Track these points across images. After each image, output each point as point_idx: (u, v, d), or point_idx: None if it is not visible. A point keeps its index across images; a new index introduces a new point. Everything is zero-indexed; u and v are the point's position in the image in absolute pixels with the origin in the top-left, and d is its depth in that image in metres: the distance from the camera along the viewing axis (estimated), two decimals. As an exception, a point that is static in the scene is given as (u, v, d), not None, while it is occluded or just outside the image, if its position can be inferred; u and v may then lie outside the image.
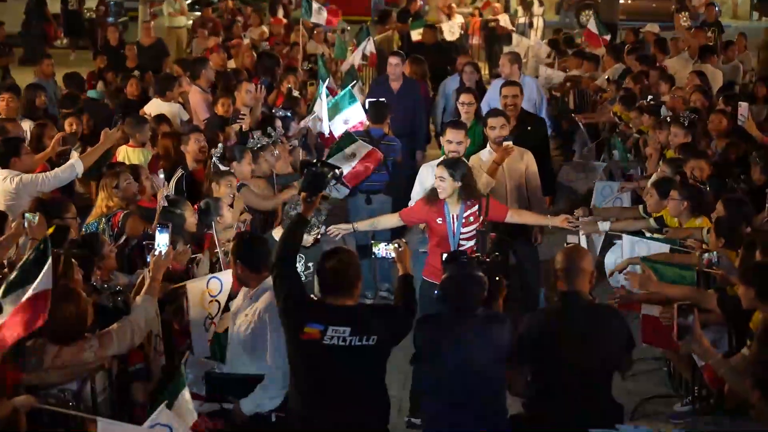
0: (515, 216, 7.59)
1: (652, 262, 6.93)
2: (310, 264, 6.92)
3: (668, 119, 9.73)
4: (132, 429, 4.83)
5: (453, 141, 7.92)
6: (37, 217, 6.33)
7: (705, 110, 10.36)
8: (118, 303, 5.96)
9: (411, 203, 8.05)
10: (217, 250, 7.16)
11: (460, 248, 6.99)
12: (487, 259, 5.85)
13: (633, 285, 6.61)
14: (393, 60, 11.15)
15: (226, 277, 6.32)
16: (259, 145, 9.05)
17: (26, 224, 6.32)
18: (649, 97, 11.27)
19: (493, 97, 10.42)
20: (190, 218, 7.26)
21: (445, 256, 5.72)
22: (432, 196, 7.26)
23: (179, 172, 8.63)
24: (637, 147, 10.42)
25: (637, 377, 7.41)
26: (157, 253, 6.01)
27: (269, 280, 5.69)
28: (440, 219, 7.18)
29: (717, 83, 12.60)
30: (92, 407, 5.49)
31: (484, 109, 9.91)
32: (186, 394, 4.88)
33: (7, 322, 4.90)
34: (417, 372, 5.89)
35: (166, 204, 7.39)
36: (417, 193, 8.16)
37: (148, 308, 5.82)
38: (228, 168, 8.29)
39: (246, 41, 14.17)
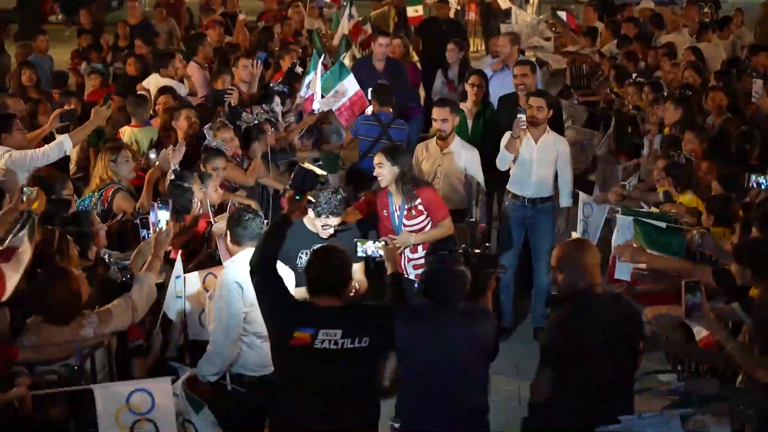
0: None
1: (643, 223, 6.97)
2: None
3: (664, 96, 9.75)
4: (124, 385, 5.12)
5: (437, 119, 8.08)
6: (35, 192, 6.31)
7: (699, 86, 10.36)
8: (126, 279, 5.98)
9: None
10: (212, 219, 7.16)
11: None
12: (477, 252, 5.61)
13: (625, 257, 6.46)
14: (382, 40, 10.96)
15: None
16: (256, 121, 9.06)
17: (24, 198, 6.32)
18: (634, 75, 11.28)
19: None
20: (198, 191, 7.24)
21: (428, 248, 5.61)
22: (377, 186, 7.19)
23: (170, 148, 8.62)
24: (635, 124, 10.42)
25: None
26: (158, 229, 6.00)
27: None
28: (386, 211, 7.07)
29: (717, 59, 12.57)
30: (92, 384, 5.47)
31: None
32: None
33: None
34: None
35: (173, 177, 7.39)
36: None
37: (150, 285, 5.83)
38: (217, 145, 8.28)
39: (242, 17, 14.10)
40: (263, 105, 9.79)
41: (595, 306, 5.02)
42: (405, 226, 7.03)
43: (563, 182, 8.38)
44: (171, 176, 7.44)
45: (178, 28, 16.00)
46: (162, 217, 6.07)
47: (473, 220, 6.95)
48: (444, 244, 6.81)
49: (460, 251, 5.64)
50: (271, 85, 10.61)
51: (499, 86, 10.03)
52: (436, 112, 8.14)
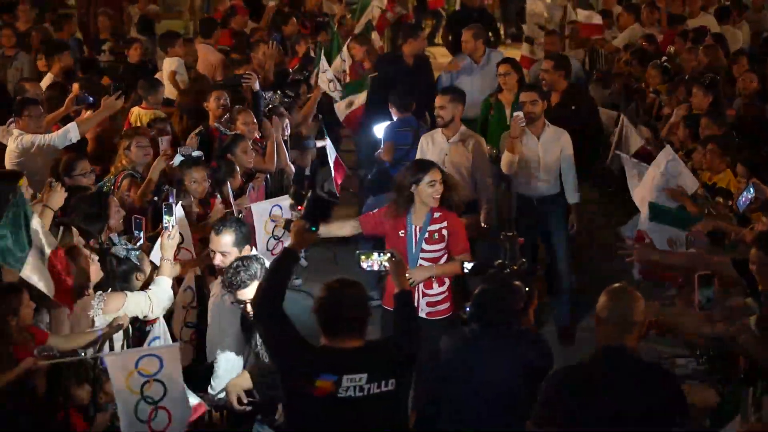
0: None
1: (658, 207, 7.00)
2: None
3: (686, 80, 9.68)
4: (133, 351, 5.20)
5: (436, 106, 7.98)
6: (56, 186, 6.22)
7: (723, 71, 10.28)
8: (124, 268, 5.95)
9: None
10: (231, 209, 7.17)
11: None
12: (515, 268, 5.30)
13: (634, 257, 6.14)
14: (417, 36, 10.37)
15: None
16: (270, 106, 9.06)
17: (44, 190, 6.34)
18: (663, 58, 11.18)
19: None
20: (202, 181, 7.24)
21: (469, 267, 5.22)
22: (401, 201, 6.31)
23: (199, 129, 8.67)
24: (652, 107, 10.36)
25: (654, 337, 7.38)
26: (164, 232, 5.96)
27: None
28: (402, 231, 6.30)
29: (736, 44, 12.46)
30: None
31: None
32: None
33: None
34: (426, 399, 5.20)
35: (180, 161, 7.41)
36: None
37: (165, 289, 5.82)
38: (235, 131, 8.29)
39: (272, 3, 14.08)
40: (281, 90, 9.76)
41: (620, 368, 4.37)
42: (423, 251, 6.30)
43: (568, 177, 8.04)
44: (179, 158, 7.44)
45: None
46: (168, 221, 6.01)
47: (510, 234, 6.22)
48: (486, 260, 6.24)
49: (498, 267, 5.32)
50: (291, 72, 10.63)
51: (469, 83, 9.76)
52: (437, 100, 8.05)
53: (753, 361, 5.17)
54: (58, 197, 6.10)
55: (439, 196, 6.23)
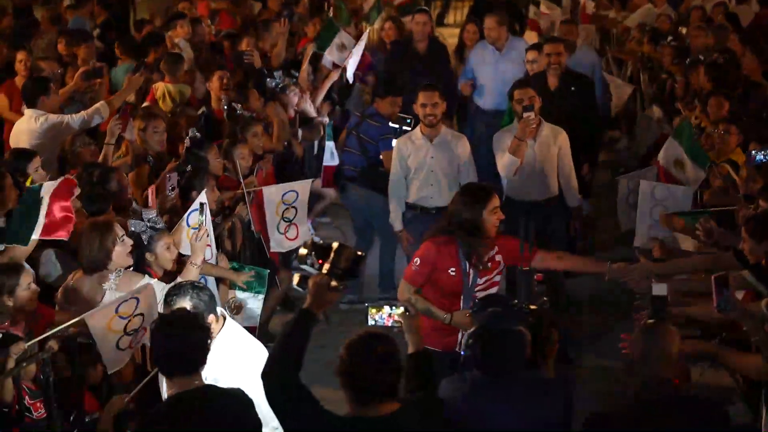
0: (550, 260, 5.81)
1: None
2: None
3: (693, 61, 9.63)
4: (111, 302, 5.17)
5: (427, 104, 7.30)
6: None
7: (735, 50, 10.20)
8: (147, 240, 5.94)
9: (390, 186, 7.47)
10: (242, 189, 7.17)
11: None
12: (533, 308, 4.64)
13: (633, 275, 5.83)
14: (420, 18, 10.05)
15: None
16: (281, 85, 9.06)
17: None
18: (670, 38, 11.12)
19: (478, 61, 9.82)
20: (214, 161, 7.25)
21: (488, 298, 4.59)
22: (444, 230, 5.65)
23: (202, 109, 8.66)
24: (663, 87, 10.30)
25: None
26: (191, 234, 5.84)
27: None
28: (453, 269, 5.55)
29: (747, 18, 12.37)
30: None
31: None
32: None
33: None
34: None
35: (189, 144, 7.40)
36: (396, 173, 7.48)
37: None
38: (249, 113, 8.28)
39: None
40: (291, 71, 9.76)
41: (662, 404, 4.08)
42: (477, 286, 5.61)
43: (566, 179, 7.50)
44: (187, 143, 7.42)
45: None
46: (200, 221, 5.90)
47: (527, 269, 5.25)
48: (494, 296, 5.32)
49: (513, 306, 4.68)
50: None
51: (491, 72, 9.61)
52: (424, 97, 7.31)
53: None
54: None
55: (498, 225, 5.57)
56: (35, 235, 5.45)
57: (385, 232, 8.06)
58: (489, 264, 5.58)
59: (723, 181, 7.26)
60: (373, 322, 4.32)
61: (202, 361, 4.08)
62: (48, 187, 5.56)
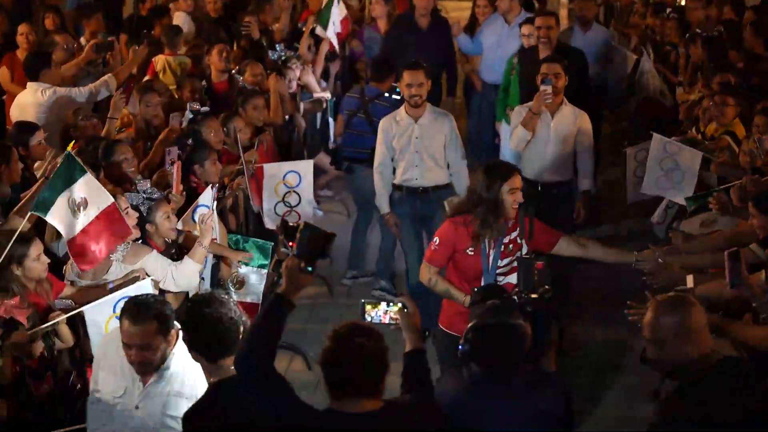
0: (574, 246, 5.63)
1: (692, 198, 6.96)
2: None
3: (692, 35, 9.60)
4: (110, 297, 5.05)
5: (413, 84, 7.13)
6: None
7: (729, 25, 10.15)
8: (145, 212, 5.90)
9: (376, 168, 7.37)
10: (241, 160, 7.17)
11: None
12: (534, 298, 4.51)
13: (660, 257, 5.56)
14: None
15: None
16: (283, 58, 9.03)
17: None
18: (668, 9, 11.07)
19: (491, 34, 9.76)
20: (215, 133, 7.23)
21: (486, 288, 4.46)
22: (464, 209, 5.54)
23: (202, 83, 8.69)
24: (667, 60, 10.27)
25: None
26: (202, 214, 5.84)
27: None
28: (471, 249, 5.49)
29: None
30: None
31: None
32: None
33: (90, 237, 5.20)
34: None
35: (189, 117, 7.38)
36: (382, 155, 7.35)
37: (191, 271, 5.69)
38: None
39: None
40: (294, 43, 9.72)
41: (719, 383, 3.80)
42: (498, 268, 5.49)
43: (583, 162, 7.33)
44: (189, 115, 7.41)
45: None
46: (204, 199, 5.93)
47: (528, 257, 5.09)
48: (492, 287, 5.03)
49: (513, 297, 4.56)
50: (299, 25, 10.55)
51: (496, 44, 9.51)
52: (410, 77, 7.12)
53: None
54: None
55: (517, 206, 5.41)
56: (53, 220, 5.26)
57: None
58: (511, 246, 5.46)
59: (725, 154, 7.24)
60: (369, 319, 4.09)
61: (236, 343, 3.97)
62: (94, 193, 5.31)
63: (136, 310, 4.19)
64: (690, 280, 4.76)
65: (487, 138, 9.83)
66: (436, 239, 5.57)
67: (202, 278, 6.09)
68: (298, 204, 7.27)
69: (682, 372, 3.83)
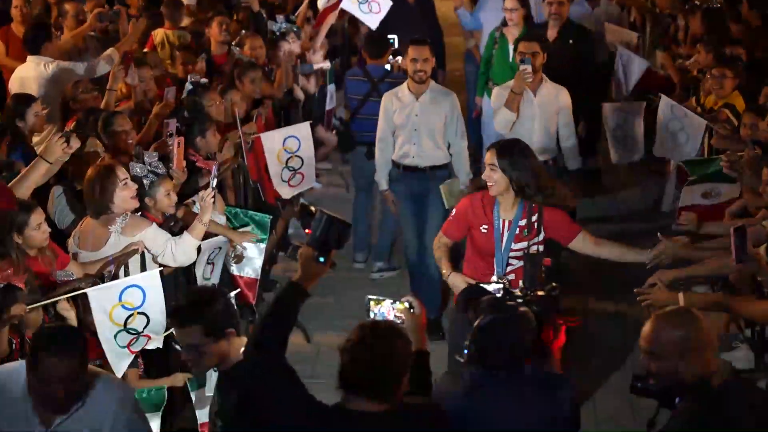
0: (591, 244, 5.44)
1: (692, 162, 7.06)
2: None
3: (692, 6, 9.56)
4: (116, 283, 5.08)
5: (418, 59, 7.04)
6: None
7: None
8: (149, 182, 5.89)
9: (377, 144, 7.29)
10: (239, 133, 7.13)
11: (508, 273, 5.29)
12: (540, 294, 4.35)
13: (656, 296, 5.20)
14: None
15: None
16: (282, 30, 8.99)
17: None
18: None
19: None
20: (215, 105, 7.20)
21: (467, 291, 4.32)
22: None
23: (202, 54, 8.64)
24: (667, 31, 10.22)
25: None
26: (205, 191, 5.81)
27: None
28: (485, 226, 5.44)
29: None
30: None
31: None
32: None
33: None
34: None
35: (191, 87, 7.35)
36: (383, 131, 7.30)
37: (190, 246, 5.68)
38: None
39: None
40: (289, 15, 9.66)
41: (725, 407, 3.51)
42: (511, 251, 5.40)
43: (566, 140, 7.18)
44: (189, 87, 7.37)
45: None
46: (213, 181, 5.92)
47: (534, 252, 5.01)
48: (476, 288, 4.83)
49: (518, 293, 4.41)
50: None
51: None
52: (415, 52, 7.02)
53: None
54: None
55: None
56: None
57: None
58: (526, 231, 5.34)
59: (725, 126, 7.23)
60: (373, 315, 3.94)
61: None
62: None
63: None
64: (681, 299, 4.58)
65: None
66: (454, 211, 5.62)
67: (212, 263, 6.07)
68: (302, 166, 7.25)
69: (683, 391, 3.53)
